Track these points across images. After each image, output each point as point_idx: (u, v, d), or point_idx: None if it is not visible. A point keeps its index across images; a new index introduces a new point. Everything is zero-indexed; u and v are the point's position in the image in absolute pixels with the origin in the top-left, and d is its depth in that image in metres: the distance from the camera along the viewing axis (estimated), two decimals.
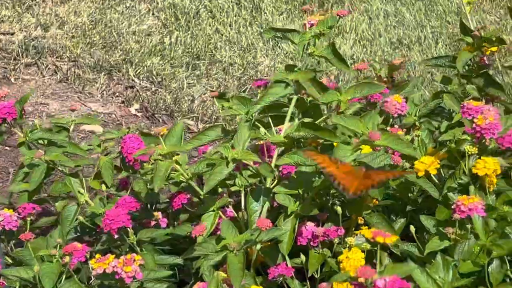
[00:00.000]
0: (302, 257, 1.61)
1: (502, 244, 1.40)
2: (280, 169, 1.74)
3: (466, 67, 2.01)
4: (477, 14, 4.28)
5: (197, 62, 3.72)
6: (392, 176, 1.57)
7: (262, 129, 1.71)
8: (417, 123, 1.94)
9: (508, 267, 1.49)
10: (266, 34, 1.81)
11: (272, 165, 1.71)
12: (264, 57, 3.89)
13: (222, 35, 4.02)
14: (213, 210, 1.67)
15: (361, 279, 1.07)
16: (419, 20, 4.38)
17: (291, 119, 1.80)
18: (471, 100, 1.66)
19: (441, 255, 1.32)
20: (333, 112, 1.78)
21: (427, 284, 1.24)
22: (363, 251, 1.50)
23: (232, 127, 2.62)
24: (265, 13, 4.28)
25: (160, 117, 3.26)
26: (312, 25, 1.83)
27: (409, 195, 1.74)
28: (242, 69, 3.71)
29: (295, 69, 1.79)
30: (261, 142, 1.81)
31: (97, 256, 1.51)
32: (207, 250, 1.50)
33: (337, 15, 1.77)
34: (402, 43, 4.13)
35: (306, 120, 1.74)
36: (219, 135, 1.81)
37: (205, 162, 1.69)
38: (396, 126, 1.98)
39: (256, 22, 4.19)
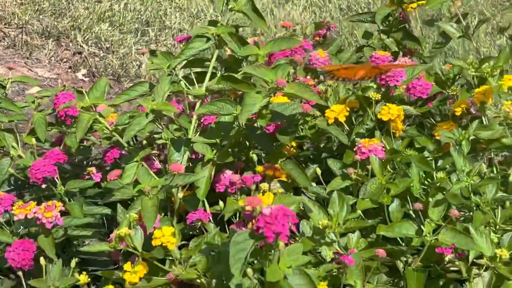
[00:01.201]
0: (221, 203, 1.68)
1: (397, 183, 1.49)
2: (202, 120, 1.81)
3: (387, 22, 2.08)
4: None
5: (146, 28, 3.76)
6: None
7: (182, 82, 1.77)
8: None
9: (411, 207, 1.58)
10: None
11: (194, 117, 1.78)
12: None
13: (173, 1, 4.06)
14: (137, 161, 1.73)
15: (248, 208, 1.14)
16: None
17: (215, 74, 1.87)
18: (380, 51, 1.74)
19: (338, 192, 1.40)
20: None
21: (319, 216, 1.32)
22: (275, 195, 1.58)
23: None
24: None
25: None
26: None
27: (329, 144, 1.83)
28: None
29: (218, 24, 1.85)
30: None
31: (20, 203, 1.58)
32: (123, 195, 1.57)
33: None
34: (351, 9, 4.19)
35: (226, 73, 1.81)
36: (146, 90, 1.87)
37: (128, 114, 1.75)
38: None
39: None
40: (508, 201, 1.59)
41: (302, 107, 1.63)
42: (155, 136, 1.93)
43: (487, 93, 1.70)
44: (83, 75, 3.34)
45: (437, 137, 1.74)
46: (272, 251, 1.21)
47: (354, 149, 1.55)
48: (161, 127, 1.87)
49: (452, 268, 1.62)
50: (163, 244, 1.44)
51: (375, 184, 1.49)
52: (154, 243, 1.44)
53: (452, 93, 1.84)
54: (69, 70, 3.36)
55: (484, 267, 1.50)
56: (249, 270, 1.20)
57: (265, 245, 1.18)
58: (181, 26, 3.84)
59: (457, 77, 1.88)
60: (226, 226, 1.68)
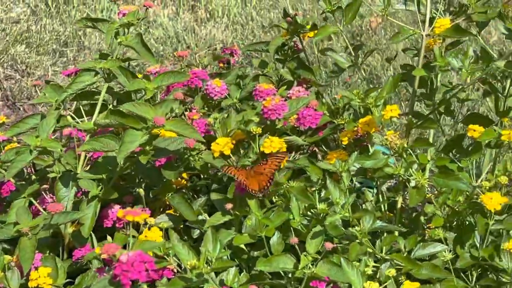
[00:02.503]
0: (109, 238, 1.67)
1: (273, 218, 1.51)
2: (92, 153, 1.81)
3: (283, 52, 2.11)
4: None
5: (64, 49, 3.73)
6: (276, 164, 1.62)
7: (69, 117, 1.77)
8: (237, 105, 2.04)
9: (293, 236, 1.60)
10: (78, 23, 1.86)
11: (82, 153, 1.77)
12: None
13: None
14: (24, 197, 1.72)
15: (104, 255, 1.15)
16: (292, 4, 4.48)
17: (106, 107, 1.87)
18: (263, 84, 1.76)
19: (211, 229, 1.41)
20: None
21: (188, 256, 1.33)
22: (161, 229, 1.58)
23: None
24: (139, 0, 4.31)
25: (21, 105, 3.26)
26: (124, 14, 1.90)
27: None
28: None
29: (109, 57, 1.85)
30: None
31: None
32: (2, 235, 1.56)
33: (144, 6, 1.85)
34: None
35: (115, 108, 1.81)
36: (38, 122, 1.85)
37: (14, 150, 1.74)
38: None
39: None
40: (387, 230, 1.63)
41: (185, 142, 1.64)
42: (48, 169, 1.92)
43: (370, 124, 1.74)
44: None
45: None
46: None
47: (235, 184, 1.57)
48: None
49: None
50: (40, 286, 1.43)
51: (252, 219, 1.51)
52: (30, 285, 1.43)
53: (341, 122, 1.87)
54: None
55: None
56: None
57: None
58: (100, 46, 3.82)
59: (345, 108, 1.91)
60: None
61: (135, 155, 1.67)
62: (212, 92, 2.00)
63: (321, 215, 1.60)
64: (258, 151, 1.67)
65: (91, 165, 1.80)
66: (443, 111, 1.91)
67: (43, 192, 1.81)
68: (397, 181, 1.90)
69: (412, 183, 1.74)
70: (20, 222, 1.53)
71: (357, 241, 1.55)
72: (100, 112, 1.83)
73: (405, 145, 1.67)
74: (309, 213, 1.62)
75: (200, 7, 4.34)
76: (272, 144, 1.63)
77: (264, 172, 1.59)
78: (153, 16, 4.18)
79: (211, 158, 1.68)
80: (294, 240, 1.48)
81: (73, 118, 1.80)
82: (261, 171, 1.59)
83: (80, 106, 1.84)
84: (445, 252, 1.57)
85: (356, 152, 1.66)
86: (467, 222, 1.71)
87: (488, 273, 1.64)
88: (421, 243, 1.60)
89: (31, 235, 1.52)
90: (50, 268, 1.46)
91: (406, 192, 1.86)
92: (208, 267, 1.31)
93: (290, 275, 1.53)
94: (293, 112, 1.71)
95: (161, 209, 1.80)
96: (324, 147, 1.96)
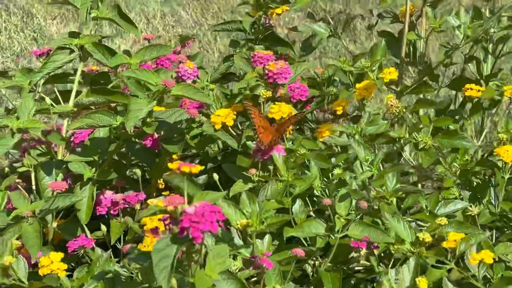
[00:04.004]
0: (103, 228, 1.51)
1: (304, 178, 1.40)
2: (72, 139, 1.64)
3: (254, 30, 2.02)
4: None
5: None
6: (293, 121, 1.54)
7: (47, 99, 1.59)
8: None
9: (311, 207, 1.51)
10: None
11: (63, 133, 1.60)
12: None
13: None
14: (1, 190, 1.52)
15: (170, 208, 1.00)
16: (196, 19, 4.42)
17: (78, 92, 1.71)
18: (260, 50, 1.66)
19: (246, 192, 1.29)
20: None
21: (236, 216, 1.21)
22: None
23: None
24: (37, 17, 4.10)
25: None
26: None
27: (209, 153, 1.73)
28: None
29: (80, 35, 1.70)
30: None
31: None
32: None
33: None
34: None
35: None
36: (1, 114, 1.66)
37: None
38: None
39: (29, 28, 4.01)
40: (405, 192, 1.56)
41: (189, 112, 1.51)
42: (15, 165, 1.73)
43: (369, 88, 1.68)
44: None
45: (320, 139, 1.68)
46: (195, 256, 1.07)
47: (253, 149, 1.45)
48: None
49: (356, 268, 1.56)
50: (53, 272, 1.25)
51: (280, 182, 1.39)
52: (41, 272, 1.25)
53: (331, 93, 1.80)
54: None
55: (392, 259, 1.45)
56: (174, 281, 1.05)
57: (188, 250, 1.04)
58: (5, 66, 3.59)
59: (332, 79, 1.84)
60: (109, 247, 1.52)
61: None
62: (184, 75, 1.87)
63: (335, 180, 1.52)
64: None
65: (71, 151, 1.63)
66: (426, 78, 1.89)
67: (18, 186, 1.62)
68: (390, 150, 1.85)
69: (407, 150, 1.70)
70: (18, 207, 1.34)
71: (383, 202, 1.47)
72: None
73: (405, 109, 1.63)
74: (323, 180, 1.53)
75: (105, 25, 4.18)
76: (281, 109, 1.53)
77: (280, 129, 1.49)
78: (56, 34, 3.98)
79: (212, 130, 1.55)
80: (327, 201, 1.37)
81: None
82: (278, 128, 1.49)
83: (55, 89, 1.67)
84: (470, 207, 1.52)
85: (367, 113, 1.59)
86: (475, 183, 1.67)
87: (505, 229, 1.60)
88: (442, 202, 1.55)
89: (32, 220, 1.33)
90: (62, 253, 1.28)
91: (400, 160, 1.81)
92: (263, 225, 1.18)
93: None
94: (296, 76, 1.62)
95: (154, 194, 1.65)
96: (310, 123, 1.88)
